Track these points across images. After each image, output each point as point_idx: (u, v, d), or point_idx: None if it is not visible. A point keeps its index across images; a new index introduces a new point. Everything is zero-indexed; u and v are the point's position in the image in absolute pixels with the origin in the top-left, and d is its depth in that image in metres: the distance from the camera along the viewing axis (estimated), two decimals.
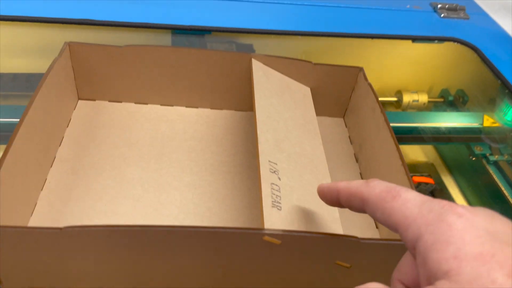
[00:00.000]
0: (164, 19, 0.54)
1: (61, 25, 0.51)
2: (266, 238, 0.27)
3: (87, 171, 0.38)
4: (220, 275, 0.31)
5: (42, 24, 0.51)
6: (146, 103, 0.45)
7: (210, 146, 0.42)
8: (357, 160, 0.43)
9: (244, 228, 0.28)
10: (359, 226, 0.37)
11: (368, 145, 0.41)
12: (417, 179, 0.59)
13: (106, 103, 0.44)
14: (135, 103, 0.45)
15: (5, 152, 0.30)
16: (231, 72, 0.43)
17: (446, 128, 0.58)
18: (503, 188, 0.52)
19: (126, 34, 0.54)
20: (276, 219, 0.29)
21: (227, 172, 0.40)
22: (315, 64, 0.43)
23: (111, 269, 0.29)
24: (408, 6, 0.66)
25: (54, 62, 0.37)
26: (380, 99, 0.64)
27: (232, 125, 0.45)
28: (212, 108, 0.46)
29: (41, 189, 0.36)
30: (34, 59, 0.56)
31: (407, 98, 0.62)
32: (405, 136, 0.58)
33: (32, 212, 0.34)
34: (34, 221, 0.34)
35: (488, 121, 0.58)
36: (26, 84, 0.53)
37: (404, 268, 0.21)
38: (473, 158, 0.56)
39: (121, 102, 0.45)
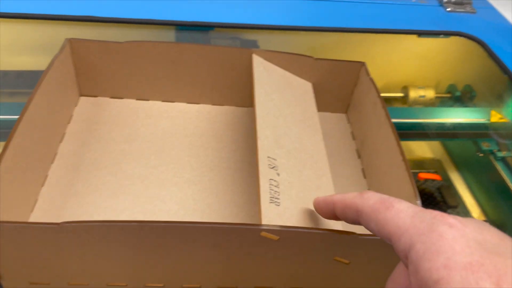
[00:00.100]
0: (167, 15, 0.54)
1: (65, 22, 0.51)
2: (264, 234, 0.27)
3: (88, 167, 0.38)
4: (218, 271, 0.31)
5: (47, 21, 0.51)
6: (148, 100, 0.45)
7: (210, 142, 0.42)
8: (359, 156, 0.43)
9: (241, 223, 0.27)
10: None
11: (370, 140, 0.40)
12: (424, 175, 0.58)
13: (108, 99, 0.45)
14: (137, 99, 0.45)
15: (5, 148, 0.30)
16: (232, 68, 0.43)
17: (453, 124, 0.57)
18: (510, 185, 0.52)
19: (129, 31, 0.55)
20: (274, 215, 0.28)
21: (227, 168, 0.40)
22: (317, 59, 0.43)
23: (109, 265, 0.30)
24: (413, 0, 0.65)
25: (54, 58, 0.37)
26: (386, 94, 0.64)
27: (233, 121, 0.45)
28: (213, 104, 0.46)
29: (42, 185, 0.36)
30: (39, 56, 0.56)
31: (413, 94, 0.62)
32: (411, 132, 0.57)
33: (33, 208, 0.35)
34: (35, 217, 0.34)
35: (495, 117, 0.57)
36: (31, 82, 0.54)
37: (397, 277, 0.22)
38: (481, 154, 0.56)
39: (122, 98, 0.45)
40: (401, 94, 0.64)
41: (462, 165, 0.60)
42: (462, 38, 0.59)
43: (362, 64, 0.43)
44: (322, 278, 0.32)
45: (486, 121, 0.57)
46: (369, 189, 0.40)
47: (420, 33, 0.58)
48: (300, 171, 0.34)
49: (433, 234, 0.19)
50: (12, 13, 0.48)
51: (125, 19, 0.52)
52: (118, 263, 0.30)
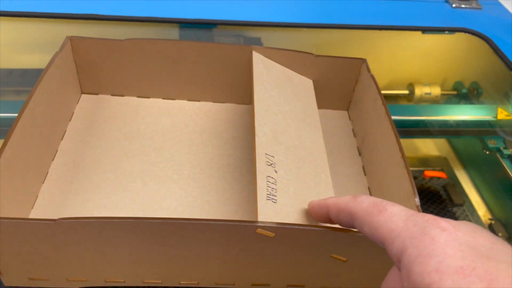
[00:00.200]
0: (170, 13, 0.54)
1: (68, 20, 0.52)
2: (260, 230, 0.27)
3: (88, 164, 0.38)
4: (215, 268, 0.31)
5: (49, 19, 0.51)
6: (148, 97, 0.45)
7: (210, 140, 0.42)
8: (360, 154, 0.43)
9: (237, 220, 0.27)
10: None
11: (370, 138, 0.40)
12: (430, 173, 0.58)
13: (109, 97, 0.45)
14: (137, 96, 0.45)
15: (3, 145, 0.30)
16: (232, 65, 0.43)
17: (459, 121, 0.57)
18: None
19: (133, 29, 0.55)
20: (271, 212, 0.28)
21: (226, 165, 0.40)
22: (317, 56, 0.42)
23: (106, 261, 0.30)
24: None
25: (55, 56, 0.37)
26: (391, 92, 0.64)
27: (234, 118, 0.45)
28: (214, 101, 0.46)
29: (43, 182, 0.37)
30: (41, 54, 0.57)
31: (419, 91, 0.61)
32: (417, 129, 0.57)
33: (33, 205, 0.35)
34: (35, 214, 0.34)
35: (502, 114, 0.57)
36: (36, 80, 0.54)
37: (390, 281, 0.22)
38: (487, 152, 0.55)
39: (123, 96, 0.45)
40: (406, 91, 0.63)
41: (468, 163, 0.59)
42: (467, 35, 0.58)
43: (363, 60, 0.43)
44: (319, 275, 0.31)
45: (493, 119, 0.56)
46: (369, 187, 0.40)
47: (424, 30, 0.58)
48: (299, 168, 0.33)
49: (425, 238, 0.19)
50: (13, 12, 0.49)
51: (128, 17, 0.52)
52: (115, 260, 0.30)
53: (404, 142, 0.59)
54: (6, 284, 0.31)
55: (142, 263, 0.30)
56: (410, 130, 0.57)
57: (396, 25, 0.57)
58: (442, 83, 0.64)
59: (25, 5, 0.51)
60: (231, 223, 0.27)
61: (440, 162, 0.60)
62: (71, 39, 0.40)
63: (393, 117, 0.56)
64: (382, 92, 0.38)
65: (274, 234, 0.27)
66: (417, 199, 0.30)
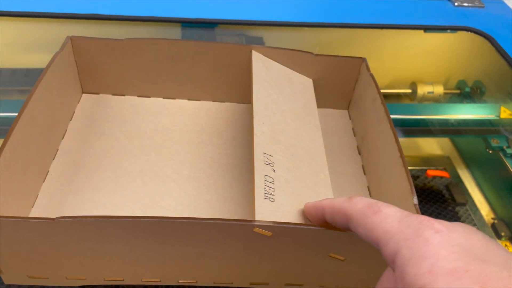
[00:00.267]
0: (172, 13, 0.54)
1: (70, 20, 0.52)
2: (257, 229, 0.27)
3: (89, 163, 0.39)
4: (214, 267, 0.31)
5: (50, 19, 0.52)
6: (149, 96, 0.45)
7: (210, 139, 0.42)
8: (359, 153, 0.43)
9: (234, 219, 0.27)
10: None
11: (370, 137, 0.40)
12: (432, 172, 0.57)
13: (110, 96, 0.45)
14: (138, 96, 0.45)
15: (3, 144, 0.30)
16: (232, 65, 0.43)
17: (462, 120, 0.56)
18: None
19: (134, 29, 0.55)
20: (268, 211, 0.28)
21: (226, 164, 0.40)
22: (317, 55, 0.42)
23: (105, 260, 0.30)
24: None
25: (55, 56, 0.38)
26: (394, 91, 0.64)
27: (233, 117, 0.45)
28: (214, 101, 0.46)
29: (43, 181, 0.37)
30: (42, 54, 0.57)
31: (421, 90, 0.61)
32: (420, 128, 0.57)
33: (34, 204, 0.35)
34: (35, 212, 0.35)
35: (505, 113, 0.56)
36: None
37: (385, 282, 0.22)
38: (490, 151, 0.55)
39: (124, 95, 0.45)
40: (409, 90, 0.63)
41: (471, 162, 0.59)
42: (470, 33, 0.58)
43: (362, 60, 0.43)
44: (317, 274, 0.31)
45: (496, 117, 0.56)
46: (368, 186, 0.40)
47: (426, 28, 0.57)
48: (297, 168, 0.33)
49: (419, 239, 0.19)
50: (14, 12, 0.49)
51: (129, 16, 0.52)
52: (114, 259, 0.30)
53: (407, 141, 0.59)
54: (6, 282, 0.31)
55: (141, 261, 0.30)
56: (412, 129, 0.57)
57: (398, 24, 0.57)
58: (444, 82, 0.63)
59: (26, 5, 0.51)
60: (228, 222, 0.27)
61: (443, 161, 0.60)
62: (71, 39, 0.41)
63: (396, 116, 0.56)
64: (385, 91, 0.38)
65: (271, 233, 0.27)
66: (415, 198, 0.30)
